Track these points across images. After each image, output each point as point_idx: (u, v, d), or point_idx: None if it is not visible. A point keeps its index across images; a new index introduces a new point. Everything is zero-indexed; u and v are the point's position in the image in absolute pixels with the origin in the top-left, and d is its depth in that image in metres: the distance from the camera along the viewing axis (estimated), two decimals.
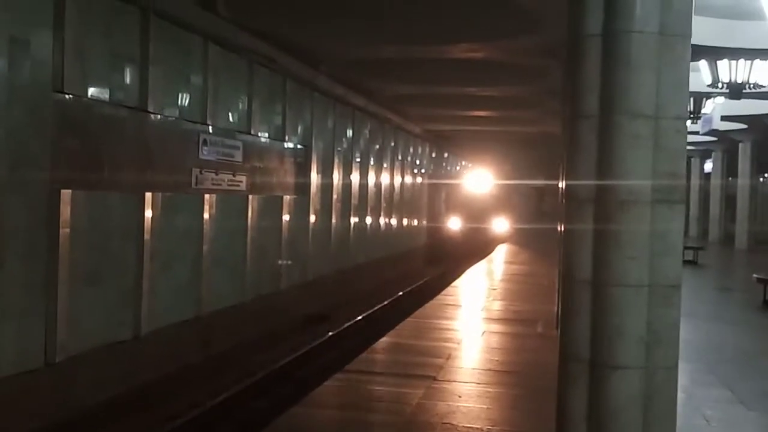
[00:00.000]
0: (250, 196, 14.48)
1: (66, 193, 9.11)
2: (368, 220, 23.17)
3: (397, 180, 26.61)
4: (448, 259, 28.08)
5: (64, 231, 9.08)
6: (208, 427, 9.19)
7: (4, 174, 8.24)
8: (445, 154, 34.08)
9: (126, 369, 10.28)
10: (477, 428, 5.70)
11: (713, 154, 33.86)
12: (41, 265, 8.82)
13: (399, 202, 26.43)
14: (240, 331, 13.58)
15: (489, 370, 7.73)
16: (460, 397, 6.67)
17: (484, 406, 6.37)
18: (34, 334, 8.72)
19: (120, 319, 10.45)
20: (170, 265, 11.78)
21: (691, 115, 18.82)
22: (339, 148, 20.10)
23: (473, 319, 10.95)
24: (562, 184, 4.92)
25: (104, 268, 10.14)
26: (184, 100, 12.31)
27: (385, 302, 18.85)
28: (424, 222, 29.94)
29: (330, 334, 14.54)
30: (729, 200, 31.89)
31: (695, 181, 38.20)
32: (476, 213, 31.33)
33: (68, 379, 9.15)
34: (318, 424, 5.69)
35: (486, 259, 22.48)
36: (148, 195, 10.95)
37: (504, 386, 7.13)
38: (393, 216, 25.63)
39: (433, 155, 31.45)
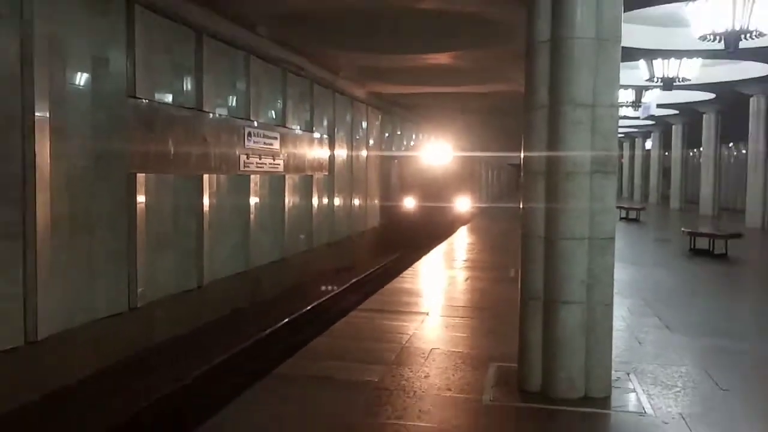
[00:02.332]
0: (287, 176, 14.44)
1: (140, 177, 9.11)
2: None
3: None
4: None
5: (140, 207, 9.09)
6: (260, 352, 9.22)
7: (91, 164, 8.23)
8: (405, 132, 26.37)
9: (193, 311, 10.36)
10: (459, 351, 5.68)
11: (652, 134, 33.60)
12: (123, 234, 8.85)
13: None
14: (282, 281, 13.63)
15: (471, 306, 7.70)
16: (446, 328, 6.65)
17: (465, 335, 6.35)
18: (120, 286, 8.79)
19: (186, 273, 10.49)
20: (225, 231, 11.80)
21: (633, 104, 18.53)
22: (357, 137, 19.96)
23: (460, 269, 10.91)
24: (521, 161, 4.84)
25: (172, 235, 10.16)
26: (232, 101, 12.23)
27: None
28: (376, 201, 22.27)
29: (354, 280, 14.57)
30: (665, 171, 31.72)
31: (638, 155, 37.90)
32: (434, 190, 23.04)
33: (147, 320, 9.23)
34: (336, 350, 5.69)
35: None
36: (206, 176, 10.93)
37: (481, 319, 7.09)
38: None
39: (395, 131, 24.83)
